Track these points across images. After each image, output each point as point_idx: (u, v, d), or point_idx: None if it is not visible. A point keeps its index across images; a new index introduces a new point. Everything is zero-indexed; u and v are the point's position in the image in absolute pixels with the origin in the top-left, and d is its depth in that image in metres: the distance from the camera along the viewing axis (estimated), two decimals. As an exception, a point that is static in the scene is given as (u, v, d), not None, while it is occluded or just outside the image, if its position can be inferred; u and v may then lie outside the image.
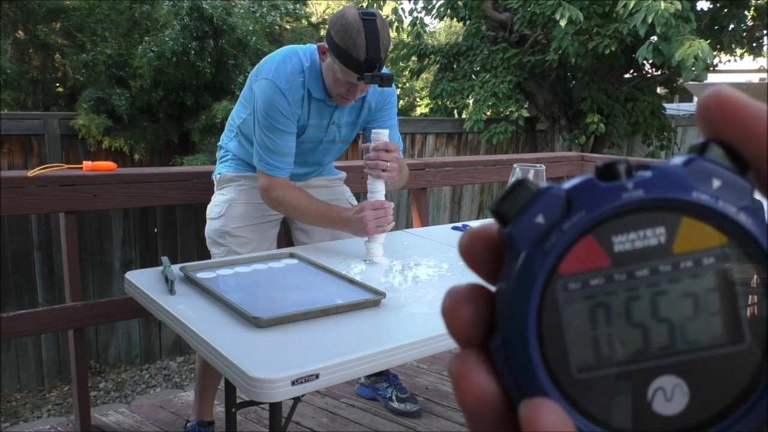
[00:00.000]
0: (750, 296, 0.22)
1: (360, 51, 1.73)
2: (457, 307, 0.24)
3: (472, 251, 0.25)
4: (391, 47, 1.98)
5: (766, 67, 8.44)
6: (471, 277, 0.25)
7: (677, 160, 0.23)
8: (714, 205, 0.22)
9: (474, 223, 2.33)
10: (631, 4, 4.95)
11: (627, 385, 0.22)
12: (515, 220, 0.23)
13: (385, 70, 1.80)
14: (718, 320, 0.22)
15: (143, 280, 1.56)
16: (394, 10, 7.19)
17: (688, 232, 0.22)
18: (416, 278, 1.71)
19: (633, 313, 0.22)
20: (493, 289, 0.24)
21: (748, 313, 0.22)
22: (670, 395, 0.22)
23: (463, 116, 6.65)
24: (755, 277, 0.22)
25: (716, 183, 0.22)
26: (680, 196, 0.22)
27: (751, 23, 6.60)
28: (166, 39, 4.11)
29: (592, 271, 0.23)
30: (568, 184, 0.23)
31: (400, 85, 8.92)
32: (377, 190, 1.85)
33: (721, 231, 0.22)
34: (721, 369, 0.22)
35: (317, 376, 1.15)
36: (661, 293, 0.22)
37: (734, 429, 0.22)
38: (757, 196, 0.23)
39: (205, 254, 2.14)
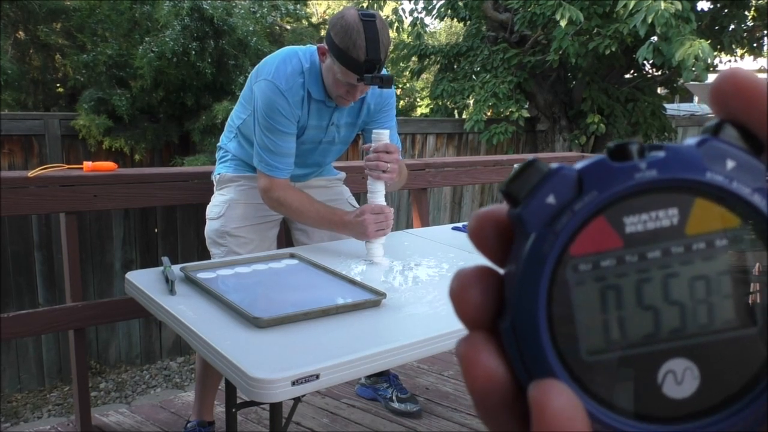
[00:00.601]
0: (752, 284, 0.22)
1: (360, 52, 1.73)
2: (465, 290, 0.24)
3: (481, 233, 0.24)
4: (391, 48, 1.98)
5: (766, 68, 8.43)
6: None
7: (691, 140, 0.23)
8: (728, 186, 0.22)
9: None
10: (631, 4, 4.95)
11: (637, 368, 0.22)
12: (526, 200, 0.23)
13: (384, 71, 1.80)
14: (730, 303, 0.22)
15: (144, 281, 1.56)
16: (395, 11, 7.19)
17: (701, 214, 0.22)
18: (416, 279, 1.71)
19: (644, 295, 0.22)
20: (501, 271, 0.24)
21: (750, 301, 0.22)
22: (680, 378, 0.22)
23: (464, 116, 6.65)
24: (757, 264, 0.22)
25: (730, 164, 0.22)
26: (694, 177, 0.22)
27: (752, 23, 6.60)
28: (167, 39, 4.11)
29: (603, 252, 0.22)
30: (580, 165, 0.23)
31: (400, 86, 8.92)
32: (377, 190, 1.85)
33: (735, 213, 0.22)
34: (732, 353, 0.22)
35: (317, 377, 1.15)
36: (672, 275, 0.22)
37: (745, 413, 0.22)
38: None
39: (206, 254, 2.14)
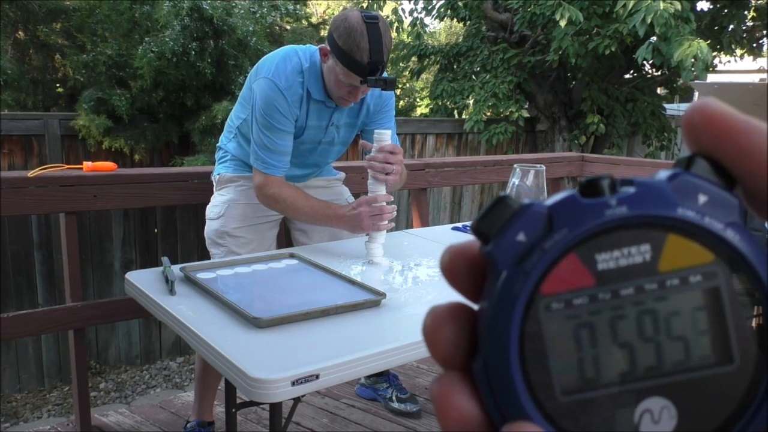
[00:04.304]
0: (756, 308, 0.22)
1: (363, 54, 1.73)
2: (438, 328, 0.23)
3: (454, 269, 0.24)
4: (392, 48, 1.98)
5: (766, 68, 8.44)
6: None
7: (662, 174, 0.22)
8: (700, 222, 0.22)
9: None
10: (630, 4, 4.95)
11: (613, 408, 0.22)
12: (496, 238, 0.23)
13: (385, 73, 1.81)
14: (706, 340, 0.22)
15: (143, 281, 1.56)
16: (394, 11, 7.19)
17: (673, 250, 0.22)
18: (416, 279, 1.71)
19: (618, 333, 0.22)
20: (475, 307, 0.24)
21: (754, 324, 0.22)
22: (657, 418, 0.22)
23: (464, 117, 6.65)
24: None
25: (702, 198, 0.22)
26: (665, 213, 0.22)
27: (751, 24, 6.60)
28: (167, 39, 4.11)
29: (575, 290, 0.22)
30: (549, 201, 0.23)
31: (400, 86, 8.92)
32: (377, 191, 1.85)
33: (708, 248, 0.22)
34: (709, 390, 0.22)
35: (317, 377, 1.15)
36: (647, 312, 0.22)
37: None
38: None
39: (205, 254, 2.14)
